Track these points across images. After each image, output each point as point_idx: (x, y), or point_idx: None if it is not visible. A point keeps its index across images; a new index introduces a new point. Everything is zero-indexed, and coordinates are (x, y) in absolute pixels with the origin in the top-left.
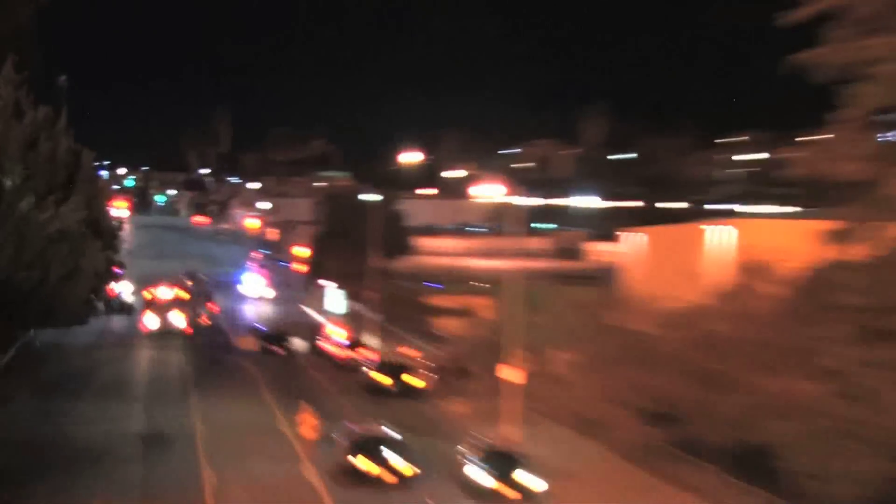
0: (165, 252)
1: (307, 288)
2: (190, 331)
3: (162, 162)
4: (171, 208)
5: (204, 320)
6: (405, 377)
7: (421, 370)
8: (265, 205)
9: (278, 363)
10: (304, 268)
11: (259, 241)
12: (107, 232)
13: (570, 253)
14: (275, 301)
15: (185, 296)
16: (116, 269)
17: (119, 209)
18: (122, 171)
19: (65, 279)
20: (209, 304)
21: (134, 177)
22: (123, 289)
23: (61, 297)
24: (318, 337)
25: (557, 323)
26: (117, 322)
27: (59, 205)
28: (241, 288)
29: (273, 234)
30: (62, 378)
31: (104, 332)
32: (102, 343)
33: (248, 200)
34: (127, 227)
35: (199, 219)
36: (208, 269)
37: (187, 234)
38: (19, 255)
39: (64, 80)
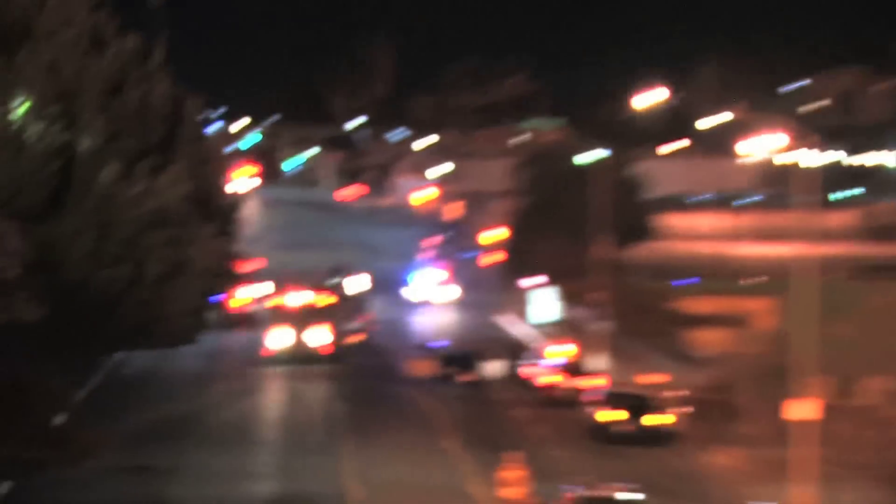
0: (302, 239)
1: (503, 287)
2: (337, 351)
3: (296, 111)
4: (308, 176)
5: (357, 336)
6: (647, 415)
7: (669, 404)
8: (443, 169)
9: (465, 396)
10: (498, 259)
11: (434, 222)
12: (221, 212)
13: (888, 233)
14: (458, 307)
15: (331, 301)
16: (236, 265)
17: (240, 179)
18: (241, 124)
19: (164, 280)
20: (364, 314)
21: (258, 131)
22: (246, 293)
23: (159, 306)
24: (521, 358)
25: (871, 336)
26: (237, 339)
27: (155, 174)
28: (409, 289)
29: (454, 211)
30: (161, 420)
31: (219, 354)
32: (216, 369)
33: (419, 164)
34: (250, 204)
35: (347, 191)
36: (362, 262)
37: (332, 212)
38: (101, 246)
39: None
